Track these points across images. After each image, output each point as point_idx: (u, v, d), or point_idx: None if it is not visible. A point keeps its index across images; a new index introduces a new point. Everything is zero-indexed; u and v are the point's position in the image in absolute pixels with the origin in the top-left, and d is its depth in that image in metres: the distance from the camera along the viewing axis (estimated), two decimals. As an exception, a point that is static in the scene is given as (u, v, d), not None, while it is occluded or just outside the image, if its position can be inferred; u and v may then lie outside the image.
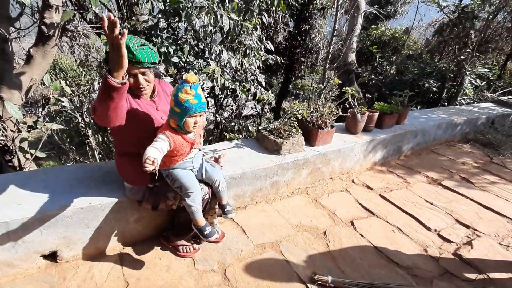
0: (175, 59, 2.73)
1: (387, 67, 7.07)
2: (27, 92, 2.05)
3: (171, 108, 1.36)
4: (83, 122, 5.06)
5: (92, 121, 5.47)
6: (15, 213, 1.37)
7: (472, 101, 5.38)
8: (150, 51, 1.36)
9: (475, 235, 2.16)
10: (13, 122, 1.97)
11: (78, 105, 4.96)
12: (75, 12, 2.06)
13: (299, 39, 8.82)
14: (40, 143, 2.27)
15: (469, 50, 5.01)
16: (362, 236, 2.05)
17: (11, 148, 1.96)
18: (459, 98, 5.20)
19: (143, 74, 1.39)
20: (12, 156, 2.00)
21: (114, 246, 1.70)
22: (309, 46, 9.01)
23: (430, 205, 2.50)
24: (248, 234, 1.95)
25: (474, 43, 5.32)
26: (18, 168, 2.07)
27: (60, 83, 1.89)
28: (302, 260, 1.77)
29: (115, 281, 1.51)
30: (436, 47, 6.12)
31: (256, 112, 6.57)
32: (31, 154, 2.14)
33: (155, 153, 1.21)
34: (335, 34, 2.88)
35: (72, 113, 4.86)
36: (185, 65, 2.92)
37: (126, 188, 1.60)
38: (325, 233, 2.05)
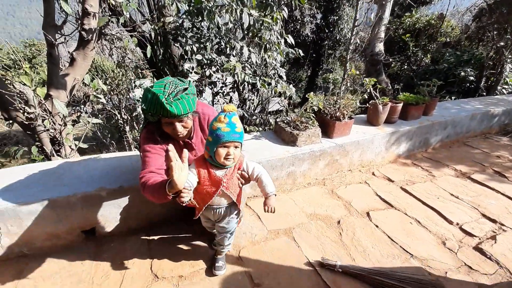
0: (198, 57, 2.90)
1: (422, 56, 6.66)
2: (71, 91, 2.35)
3: (206, 139, 1.31)
4: (121, 119, 5.53)
5: (129, 117, 5.94)
6: (61, 192, 1.62)
7: (516, 90, 4.90)
8: (187, 100, 1.27)
9: (501, 229, 2.05)
10: (60, 117, 2.28)
11: (117, 103, 5.44)
12: (109, 18, 2.30)
13: (327, 31, 8.63)
14: (82, 136, 2.58)
15: (509, 36, 4.56)
16: (377, 226, 2.05)
17: (59, 139, 2.27)
18: (499, 88, 4.76)
19: (181, 121, 1.33)
20: (60, 147, 2.31)
21: (142, 225, 1.91)
22: (337, 38, 8.77)
23: (455, 198, 2.41)
24: (263, 220, 2.06)
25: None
26: (64, 157, 2.38)
27: (98, 82, 2.13)
28: (313, 246, 1.84)
29: (142, 255, 1.71)
30: (475, 33, 5.63)
31: (283, 107, 6.60)
32: (75, 145, 2.45)
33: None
34: (358, 23, 2.83)
35: (112, 111, 5.34)
36: (208, 62, 3.08)
37: None
38: (338, 222, 2.09)
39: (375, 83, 2.75)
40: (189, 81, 1.34)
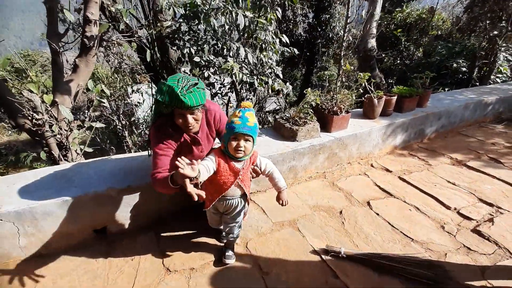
0: (196, 59, 2.97)
1: (414, 50, 6.78)
2: (75, 97, 2.41)
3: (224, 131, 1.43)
4: (120, 124, 5.58)
5: (127, 122, 6.00)
6: (73, 193, 1.68)
7: (508, 79, 5.01)
8: (198, 93, 1.36)
9: (498, 212, 2.13)
10: (66, 123, 2.34)
11: (114, 108, 5.49)
12: (110, 24, 2.37)
13: (319, 29, 8.74)
14: (87, 141, 2.64)
15: (503, 24, 4.68)
16: (377, 214, 2.13)
17: (65, 144, 2.33)
18: (492, 77, 4.87)
19: (192, 113, 1.42)
20: (66, 151, 2.37)
21: (151, 222, 1.98)
22: (330, 36, 8.88)
23: (451, 185, 2.49)
24: (268, 213, 2.13)
25: (510, 16, 4.94)
26: (71, 161, 2.44)
27: (102, 87, 2.20)
28: (318, 235, 1.91)
29: (153, 251, 1.77)
30: (467, 24, 5.75)
31: (279, 106, 6.72)
32: (81, 150, 2.51)
33: (201, 169, 1.26)
34: (350, 21, 2.92)
35: (110, 117, 5.39)
36: (206, 63, 3.15)
37: None
38: (341, 212, 2.16)
39: (369, 77, 2.83)
40: (198, 77, 1.43)
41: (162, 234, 1.92)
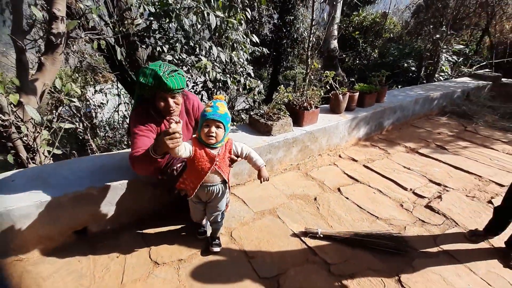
0: (169, 57, 2.97)
1: (370, 51, 7.36)
2: (41, 96, 2.30)
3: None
4: (81, 128, 5.26)
5: (89, 125, 5.67)
6: (52, 194, 1.63)
7: (449, 76, 5.71)
8: (179, 77, 1.47)
9: (445, 190, 2.49)
10: (32, 124, 2.22)
11: (74, 110, 5.16)
12: (80, 21, 2.29)
13: (284, 30, 9.03)
14: (55, 143, 2.52)
15: (444, 29, 5.32)
16: (347, 198, 2.36)
17: (33, 146, 2.21)
18: (436, 75, 5.52)
19: (173, 97, 1.52)
20: (34, 154, 2.25)
21: (133, 221, 1.97)
22: (295, 36, 9.23)
23: (407, 170, 2.83)
24: (248, 204, 2.24)
25: (448, 22, 5.63)
26: (39, 165, 2.32)
27: (72, 86, 2.13)
28: (296, 220, 2.07)
29: (138, 247, 1.79)
30: (414, 28, 6.42)
31: (248, 105, 6.86)
32: (49, 152, 2.40)
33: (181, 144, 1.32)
34: (314, 23, 3.14)
35: (69, 120, 5.05)
36: (179, 62, 3.17)
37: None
38: (315, 199, 2.35)
39: (334, 75, 3.09)
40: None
41: (146, 231, 1.93)
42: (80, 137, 5.55)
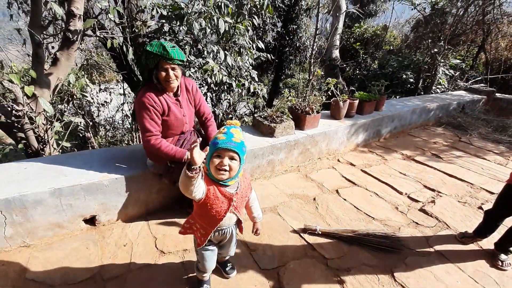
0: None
1: (370, 62, 7.56)
2: (54, 90, 2.39)
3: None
4: (82, 125, 5.32)
5: (90, 122, 5.74)
6: (65, 182, 1.71)
7: (446, 89, 5.88)
8: (180, 52, 1.68)
9: (439, 196, 2.59)
10: (44, 116, 2.31)
11: (76, 108, 5.24)
12: (97, 20, 2.40)
13: (287, 38, 9.24)
14: (66, 135, 2.60)
15: (442, 43, 5.51)
16: (345, 200, 2.45)
17: (44, 138, 2.29)
18: (434, 88, 5.69)
19: (173, 69, 1.70)
20: (44, 145, 2.33)
21: (140, 212, 2.06)
22: (297, 45, 9.44)
23: (403, 175, 2.93)
24: (250, 201, 2.33)
25: (446, 37, 5.83)
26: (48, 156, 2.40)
27: (85, 81, 2.22)
28: (296, 218, 2.16)
29: (145, 237, 1.87)
30: (413, 41, 6.63)
31: (249, 110, 7.00)
32: (58, 144, 2.48)
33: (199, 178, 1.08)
34: (318, 33, 3.29)
35: (71, 118, 5.12)
36: (187, 63, 3.28)
37: (148, 164, 1.96)
38: (314, 199, 2.44)
39: (336, 83, 3.21)
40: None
41: (152, 222, 2.01)
42: (81, 135, 5.61)
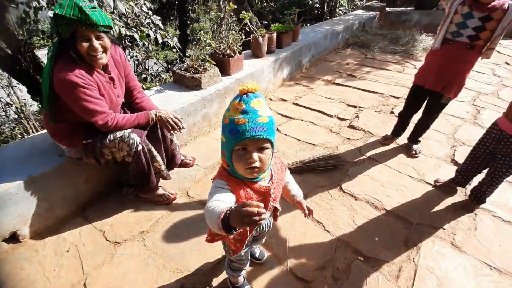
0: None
1: (276, -9, 7.31)
2: None
3: (221, 139, 0.84)
4: None
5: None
6: None
7: (347, 10, 6.25)
8: (104, 14, 1.26)
9: (360, 110, 2.92)
10: None
11: None
12: None
13: (183, -27, 8.06)
14: None
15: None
16: (286, 135, 2.55)
17: None
18: (337, 10, 5.97)
19: (98, 38, 1.28)
20: None
21: (73, 210, 1.75)
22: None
23: (329, 99, 3.17)
24: (198, 162, 2.21)
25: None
26: None
27: None
28: (246, 165, 2.17)
29: (89, 234, 1.63)
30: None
31: (163, 67, 6.28)
32: None
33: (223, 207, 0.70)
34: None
35: None
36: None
37: (65, 150, 1.60)
38: (258, 142, 2.47)
39: (250, 17, 3.01)
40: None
41: (92, 216, 1.75)
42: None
